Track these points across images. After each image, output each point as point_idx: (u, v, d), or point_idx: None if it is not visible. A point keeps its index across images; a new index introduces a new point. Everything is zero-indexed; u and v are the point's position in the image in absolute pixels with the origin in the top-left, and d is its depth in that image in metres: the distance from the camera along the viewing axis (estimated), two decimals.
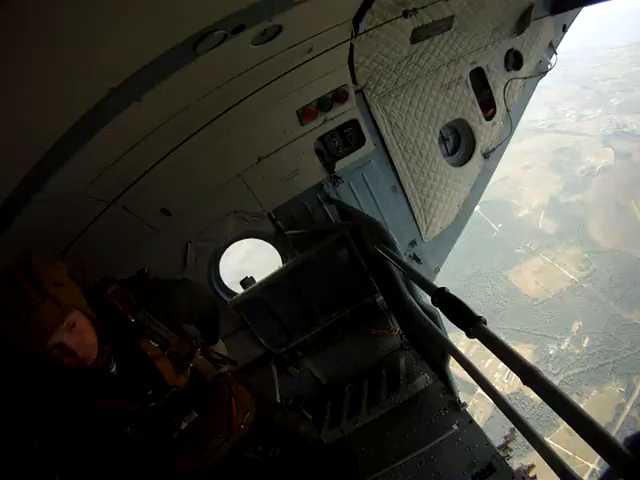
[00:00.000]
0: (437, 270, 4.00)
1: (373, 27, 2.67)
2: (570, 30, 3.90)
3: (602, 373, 28.99)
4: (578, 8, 3.64)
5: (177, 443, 1.63)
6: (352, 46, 2.73)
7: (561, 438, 25.57)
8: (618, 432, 25.18)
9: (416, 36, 2.96)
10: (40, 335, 1.16)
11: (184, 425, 1.64)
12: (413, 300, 2.27)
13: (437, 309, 1.86)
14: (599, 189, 43.07)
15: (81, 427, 1.42)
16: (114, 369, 1.43)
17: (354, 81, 3.00)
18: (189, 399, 1.67)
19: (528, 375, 1.23)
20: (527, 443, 1.58)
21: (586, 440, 1.07)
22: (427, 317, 2.06)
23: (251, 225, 3.15)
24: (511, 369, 1.27)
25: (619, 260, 35.12)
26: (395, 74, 3.14)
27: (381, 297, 3.42)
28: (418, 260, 3.73)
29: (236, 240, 3.25)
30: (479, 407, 28.26)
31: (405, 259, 2.45)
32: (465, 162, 3.70)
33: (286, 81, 2.57)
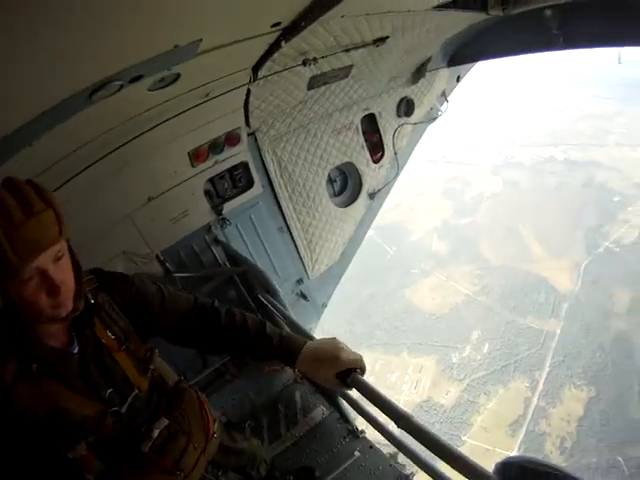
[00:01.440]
0: (324, 305, 4.76)
1: (272, 73, 3.12)
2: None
3: (505, 373, 35.93)
4: (473, 62, 4.63)
5: (149, 459, 1.62)
6: (249, 90, 3.16)
7: (478, 435, 31.51)
8: (530, 421, 32.50)
9: (313, 83, 3.51)
10: (32, 246, 1.15)
11: (155, 433, 1.65)
12: None
13: None
14: (488, 213, 54.30)
15: (22, 439, 1.33)
16: (76, 349, 1.45)
17: (247, 124, 3.47)
18: (153, 406, 1.74)
19: (402, 419, 1.60)
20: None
21: (460, 472, 1.45)
22: None
23: (139, 267, 3.44)
24: (387, 415, 1.67)
25: (509, 274, 44.11)
26: (289, 118, 3.69)
27: None
28: (305, 297, 4.39)
29: None
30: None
31: (290, 299, 3.11)
32: (351, 203, 4.48)
33: (180, 122, 2.93)
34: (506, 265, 45.53)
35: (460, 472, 1.49)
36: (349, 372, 1.71)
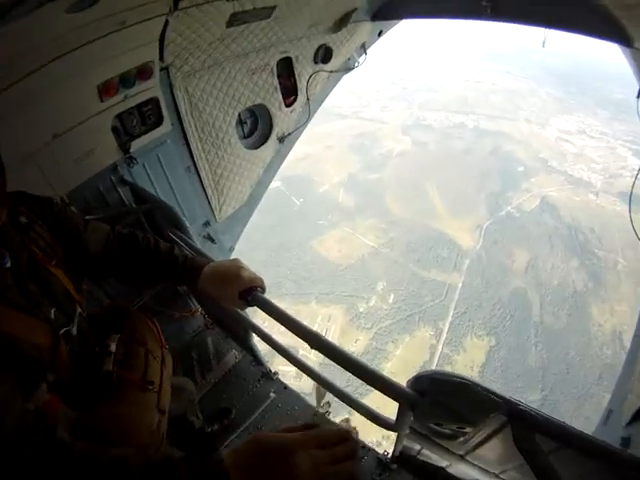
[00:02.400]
0: (232, 249, 5.13)
1: (192, 5, 3.24)
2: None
3: (410, 323, 40.17)
4: (398, 20, 5.09)
5: (118, 378, 1.74)
6: (167, 22, 3.25)
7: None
8: (436, 367, 36.80)
9: (233, 20, 3.69)
10: None
11: (113, 347, 1.79)
12: None
13: None
14: (396, 170, 60.06)
15: None
16: (8, 263, 1.46)
17: (161, 58, 3.57)
18: (97, 328, 1.87)
19: (312, 337, 1.85)
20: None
21: (377, 388, 1.64)
22: None
23: None
24: (296, 334, 1.89)
25: (414, 229, 48.87)
26: (204, 55, 3.87)
27: None
28: (212, 240, 4.69)
29: None
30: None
31: (197, 242, 3.24)
32: (260, 145, 4.85)
33: (91, 52, 2.94)
34: (411, 220, 50.68)
35: (376, 388, 1.74)
36: (250, 291, 1.91)
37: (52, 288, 1.60)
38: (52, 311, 1.56)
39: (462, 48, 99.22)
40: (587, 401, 34.65)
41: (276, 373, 3.87)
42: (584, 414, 32.03)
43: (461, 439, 1.84)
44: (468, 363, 38.15)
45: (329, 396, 3.37)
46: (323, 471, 1.11)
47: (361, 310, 42.71)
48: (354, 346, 39.68)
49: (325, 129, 62.89)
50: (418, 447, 2.56)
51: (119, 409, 1.72)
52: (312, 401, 3.52)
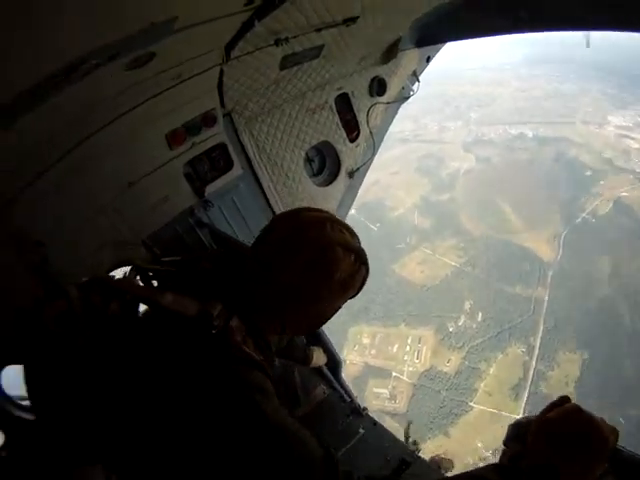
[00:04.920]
0: None
1: (244, 54, 3.33)
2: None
3: (501, 340, 38.29)
4: (442, 43, 4.99)
5: None
6: (222, 70, 3.38)
7: (483, 400, 33.05)
8: (531, 384, 35.50)
9: (285, 63, 3.76)
10: None
11: None
12: None
13: None
14: (465, 187, 59.14)
15: None
16: None
17: (222, 105, 3.69)
18: None
19: None
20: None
21: None
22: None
23: (127, 253, 3.55)
24: None
25: (491, 245, 46.23)
26: (262, 98, 3.94)
27: None
28: None
29: (112, 270, 3.59)
30: (398, 388, 34.37)
31: None
32: (331, 182, 4.76)
33: (155, 105, 3.08)
34: (488, 237, 48.69)
35: None
36: None
37: None
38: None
39: (496, 56, 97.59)
40: None
41: (365, 409, 3.60)
42: None
43: None
44: (563, 379, 34.29)
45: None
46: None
47: (451, 330, 40.51)
48: (447, 366, 37.12)
49: (389, 155, 62.80)
50: None
51: None
52: (401, 437, 3.34)
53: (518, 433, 1.29)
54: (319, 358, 3.01)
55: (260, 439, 1.20)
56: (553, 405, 1.22)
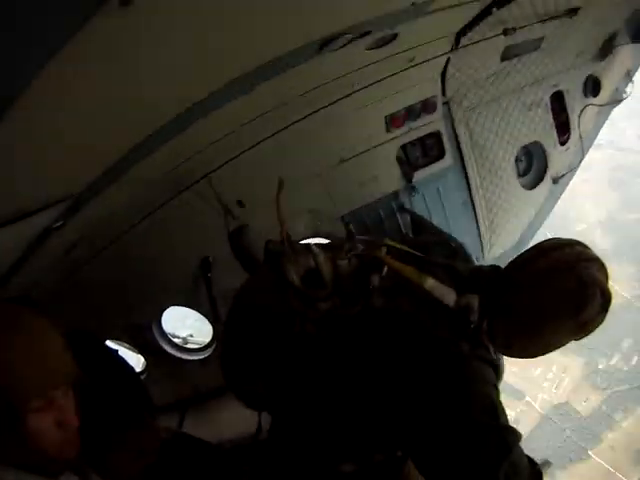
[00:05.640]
0: None
1: (472, 42, 3.38)
2: None
3: None
4: None
5: None
6: (449, 58, 3.44)
7: (604, 453, 29.65)
8: None
9: (507, 54, 3.75)
10: None
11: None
12: None
13: None
14: None
15: None
16: None
17: (443, 93, 3.72)
18: None
19: None
20: None
21: None
22: None
23: (322, 226, 3.75)
24: None
25: None
26: (481, 90, 3.92)
27: None
28: None
29: (305, 239, 3.75)
30: (526, 414, 32.59)
31: None
32: (535, 185, 4.57)
33: (381, 86, 3.21)
34: None
35: None
36: None
37: None
38: None
39: None
40: None
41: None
42: None
43: None
44: None
45: None
46: None
47: (600, 367, 35.84)
48: (582, 405, 32.92)
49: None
50: None
51: None
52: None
53: None
54: None
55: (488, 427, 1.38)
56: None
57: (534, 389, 36.89)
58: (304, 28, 1.82)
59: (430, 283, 1.55)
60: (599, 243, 48.22)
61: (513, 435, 1.37)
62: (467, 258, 3.03)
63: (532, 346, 1.67)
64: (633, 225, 49.45)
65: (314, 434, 1.72)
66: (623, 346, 38.28)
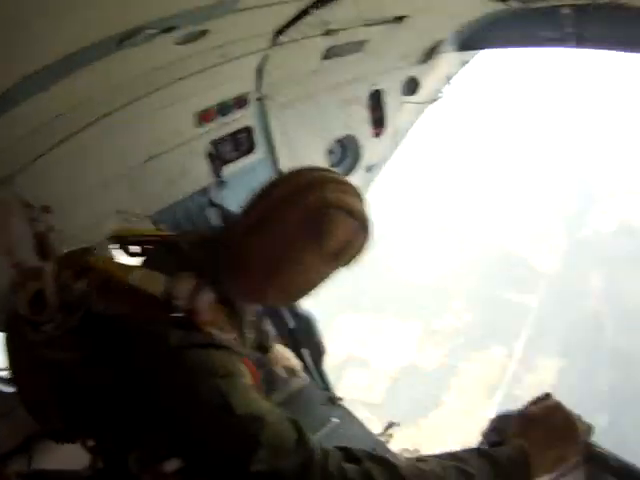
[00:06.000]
0: None
1: (292, 40, 3.33)
2: None
3: (484, 341, 40.52)
4: (483, 49, 4.97)
5: None
6: (266, 55, 3.40)
7: (458, 397, 35.60)
8: (506, 386, 36.70)
9: (328, 54, 3.80)
10: None
11: None
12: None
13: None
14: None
15: None
16: None
17: (258, 89, 3.71)
18: None
19: None
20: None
21: None
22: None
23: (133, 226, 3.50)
24: None
25: (492, 250, 47.65)
26: (299, 86, 3.98)
27: None
28: None
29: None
30: (377, 380, 36.52)
31: None
32: (347, 175, 4.71)
33: (194, 81, 3.11)
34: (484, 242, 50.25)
35: None
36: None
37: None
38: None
39: None
40: None
41: (340, 399, 3.69)
42: None
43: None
44: (538, 383, 36.77)
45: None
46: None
47: (436, 327, 42.86)
48: (427, 362, 39.75)
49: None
50: None
51: None
52: (374, 429, 3.45)
53: (497, 426, 1.44)
54: (278, 358, 2.71)
55: (224, 424, 1.18)
56: (537, 400, 1.39)
57: (379, 356, 41.31)
58: (100, 23, 1.74)
59: (135, 275, 1.35)
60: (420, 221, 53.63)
61: (258, 421, 1.16)
62: None
63: (289, 285, 1.45)
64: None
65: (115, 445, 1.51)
66: (454, 307, 44.31)
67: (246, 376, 1.32)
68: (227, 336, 1.34)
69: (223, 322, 1.38)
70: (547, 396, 1.39)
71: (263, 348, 2.36)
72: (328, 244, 1.36)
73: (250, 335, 1.68)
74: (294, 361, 2.67)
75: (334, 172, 1.54)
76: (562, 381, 37.02)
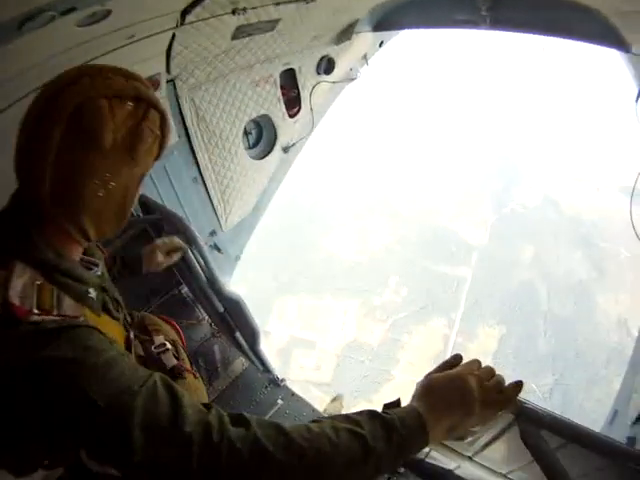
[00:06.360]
0: (238, 258, 5.19)
1: (199, 20, 3.30)
2: None
3: (424, 314, 41.22)
4: (399, 30, 5.16)
5: (178, 370, 1.90)
6: (174, 35, 3.32)
7: (406, 369, 36.30)
8: (450, 354, 36.96)
9: (238, 33, 3.76)
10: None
11: (168, 344, 1.94)
12: (211, 291, 3.23)
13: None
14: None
15: None
16: (99, 271, 1.49)
17: (168, 70, 3.64)
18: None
19: None
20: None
21: None
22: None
23: None
24: None
25: (423, 226, 49.34)
26: (209, 67, 3.94)
27: (186, 288, 4.19)
28: (219, 249, 4.76)
29: None
30: (323, 360, 36.50)
31: (207, 255, 3.21)
32: (265, 156, 4.91)
33: (100, 64, 3.09)
34: (421, 218, 51.90)
35: None
36: None
37: (117, 296, 1.62)
38: (121, 316, 1.57)
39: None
40: (597, 384, 34.80)
41: (283, 380, 3.81)
42: (595, 396, 32.28)
43: (469, 439, 1.84)
44: (481, 351, 38.94)
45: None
46: (487, 388, 1.24)
47: (376, 303, 44.09)
48: (371, 337, 41.03)
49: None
50: (427, 449, 2.55)
51: None
52: (319, 407, 3.59)
53: None
54: (159, 255, 2.41)
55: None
56: (445, 364, 1.40)
57: (323, 336, 41.79)
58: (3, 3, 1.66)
59: None
60: (352, 202, 55.01)
61: (131, 395, 1.01)
62: (188, 230, 3.14)
63: (101, 205, 1.27)
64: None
65: None
66: (391, 283, 45.51)
67: (101, 342, 1.11)
68: (67, 310, 1.14)
69: (47, 293, 1.14)
70: (457, 358, 1.37)
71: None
72: (104, 137, 1.17)
73: (111, 289, 1.57)
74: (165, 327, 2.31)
75: (91, 64, 1.31)
76: (504, 348, 39.40)
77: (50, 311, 1.09)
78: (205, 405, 1.12)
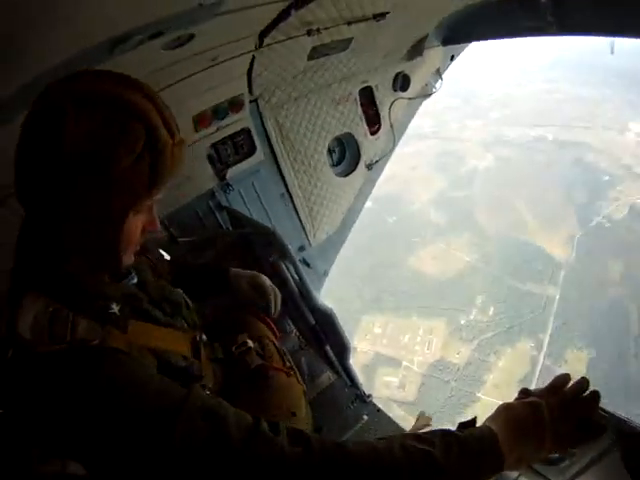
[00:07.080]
0: (326, 274, 5.19)
1: (276, 42, 3.48)
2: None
3: (512, 334, 39.71)
4: (468, 43, 5.13)
5: (265, 370, 1.82)
6: (253, 57, 3.52)
7: (491, 392, 33.95)
8: (538, 379, 36.52)
9: (313, 53, 3.91)
10: (176, 170, 1.24)
11: (250, 343, 1.86)
12: (303, 303, 3.27)
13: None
14: (483, 185, 58.83)
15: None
16: (135, 279, 1.45)
17: (250, 91, 3.84)
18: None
19: None
20: None
21: None
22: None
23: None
24: None
25: (506, 243, 47.07)
26: (289, 87, 4.11)
27: None
28: (307, 264, 4.77)
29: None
30: (408, 378, 35.62)
31: (301, 270, 3.31)
32: (349, 173, 4.94)
33: (186, 86, 3.20)
34: (502, 235, 49.50)
35: None
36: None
37: (176, 299, 1.59)
38: (182, 321, 1.54)
39: (525, 58, 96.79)
40: None
41: (370, 396, 3.60)
42: None
43: (565, 463, 1.58)
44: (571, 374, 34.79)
45: None
46: (559, 418, 1.16)
47: (462, 322, 41.60)
48: (456, 358, 38.03)
49: (408, 150, 63.66)
50: (515, 474, 2.24)
51: (275, 396, 1.79)
52: (405, 425, 3.36)
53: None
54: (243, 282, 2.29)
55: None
56: (522, 395, 1.31)
57: (408, 354, 40.93)
58: (92, 29, 1.75)
59: None
60: (434, 218, 54.54)
61: (170, 403, 1.01)
62: (282, 244, 3.30)
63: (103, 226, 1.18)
64: (461, 200, 56.68)
65: None
66: (477, 302, 43.76)
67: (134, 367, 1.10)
68: (81, 334, 1.08)
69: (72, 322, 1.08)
70: (566, 378, 1.32)
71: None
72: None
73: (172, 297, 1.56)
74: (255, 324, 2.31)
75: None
76: (593, 372, 35.30)
77: (63, 338, 1.05)
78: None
